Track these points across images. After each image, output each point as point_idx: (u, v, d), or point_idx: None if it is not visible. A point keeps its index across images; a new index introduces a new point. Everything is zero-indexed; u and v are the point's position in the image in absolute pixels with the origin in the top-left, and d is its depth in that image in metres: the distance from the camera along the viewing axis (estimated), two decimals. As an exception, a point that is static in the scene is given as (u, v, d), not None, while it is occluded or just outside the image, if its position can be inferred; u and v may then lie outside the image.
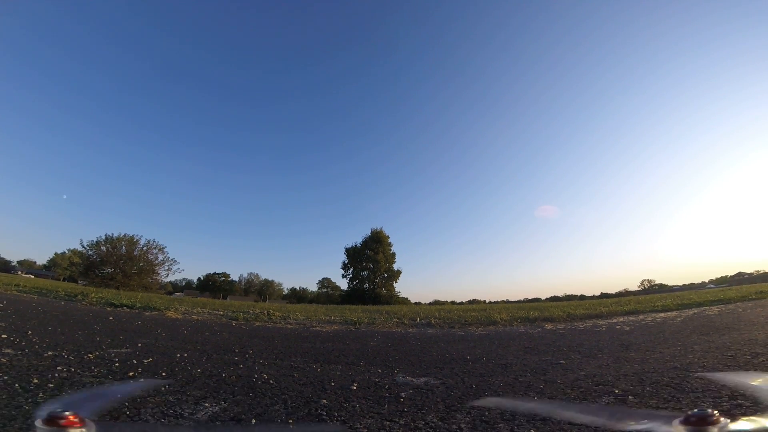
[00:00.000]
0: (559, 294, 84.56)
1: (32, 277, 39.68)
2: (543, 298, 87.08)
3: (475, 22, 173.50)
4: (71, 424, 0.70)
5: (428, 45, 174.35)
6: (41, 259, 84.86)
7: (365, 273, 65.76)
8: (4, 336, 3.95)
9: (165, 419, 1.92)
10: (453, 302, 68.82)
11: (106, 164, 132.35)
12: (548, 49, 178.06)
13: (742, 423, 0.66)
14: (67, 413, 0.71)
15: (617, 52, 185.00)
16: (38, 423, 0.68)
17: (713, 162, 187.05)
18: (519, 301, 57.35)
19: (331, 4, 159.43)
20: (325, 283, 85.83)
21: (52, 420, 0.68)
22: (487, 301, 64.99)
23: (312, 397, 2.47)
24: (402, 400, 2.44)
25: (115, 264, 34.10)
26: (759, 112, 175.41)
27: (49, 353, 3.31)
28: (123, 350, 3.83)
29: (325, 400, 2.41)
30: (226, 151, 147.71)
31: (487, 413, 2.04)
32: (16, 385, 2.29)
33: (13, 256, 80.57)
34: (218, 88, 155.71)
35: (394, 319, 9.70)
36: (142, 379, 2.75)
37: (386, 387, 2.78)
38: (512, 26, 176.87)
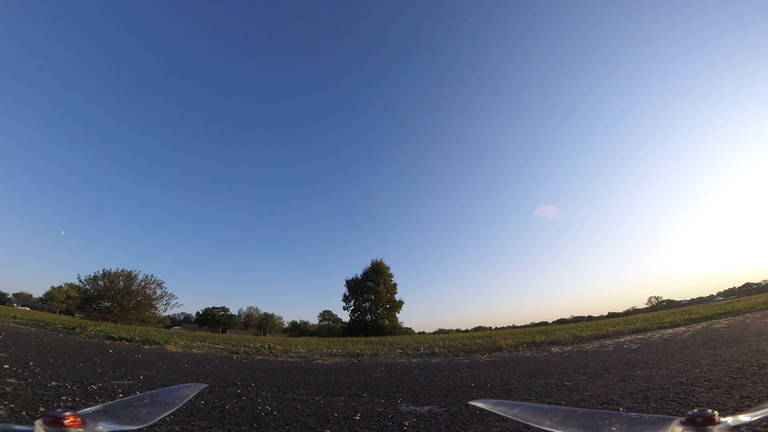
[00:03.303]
0: (566, 316, 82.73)
1: (28, 309, 39.13)
2: (550, 321, 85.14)
3: (471, 32, 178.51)
4: (71, 425, 0.69)
5: (423, 65, 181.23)
6: (37, 293, 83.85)
7: (367, 304, 64.52)
8: (6, 366, 3.94)
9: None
10: (458, 330, 66.77)
11: (105, 199, 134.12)
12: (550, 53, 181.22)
13: (742, 421, 0.65)
14: (67, 413, 0.70)
15: (617, 54, 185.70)
16: (38, 423, 0.67)
17: (712, 170, 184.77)
18: (526, 326, 55.52)
19: (331, 32, 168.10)
20: (326, 315, 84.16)
21: (52, 420, 0.68)
22: (492, 328, 62.82)
23: (315, 428, 2.46)
24: (405, 428, 2.43)
25: (113, 298, 33.80)
26: (760, 112, 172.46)
27: (53, 383, 3.31)
28: (125, 382, 3.80)
29: (328, 430, 2.40)
30: (225, 186, 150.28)
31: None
32: (24, 412, 2.31)
33: (9, 289, 79.84)
34: (216, 120, 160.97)
35: (398, 350, 9.50)
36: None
37: (389, 416, 2.76)
38: (513, 30, 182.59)
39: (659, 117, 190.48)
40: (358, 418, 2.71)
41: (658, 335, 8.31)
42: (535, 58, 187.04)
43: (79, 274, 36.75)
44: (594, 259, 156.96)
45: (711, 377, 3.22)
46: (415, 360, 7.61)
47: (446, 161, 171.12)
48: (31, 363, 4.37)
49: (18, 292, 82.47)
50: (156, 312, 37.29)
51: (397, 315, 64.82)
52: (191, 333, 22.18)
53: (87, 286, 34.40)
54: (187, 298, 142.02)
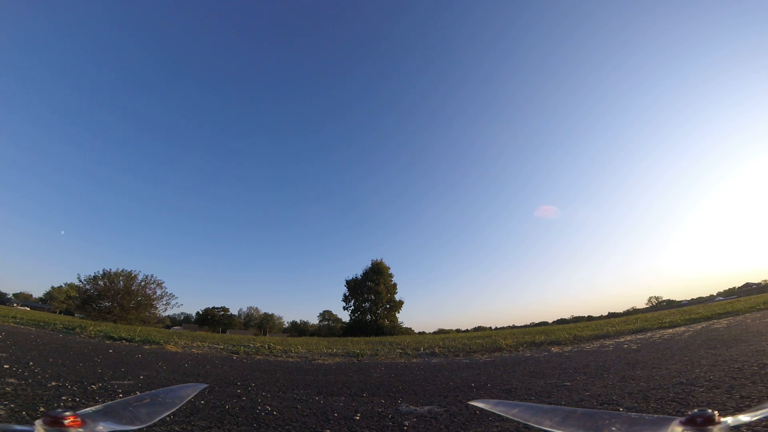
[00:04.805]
0: (566, 316, 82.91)
1: (28, 309, 39.19)
2: (550, 321, 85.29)
3: (470, 30, 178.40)
4: (71, 425, 0.69)
5: (424, 61, 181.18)
6: (37, 293, 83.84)
7: (367, 304, 64.59)
8: (6, 366, 3.94)
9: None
10: (458, 330, 66.74)
11: (105, 199, 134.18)
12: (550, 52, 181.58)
13: (742, 421, 0.65)
14: (67, 413, 0.70)
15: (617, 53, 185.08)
16: (38, 423, 0.67)
17: (712, 169, 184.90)
18: (526, 326, 55.60)
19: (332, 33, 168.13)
20: (326, 315, 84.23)
21: (52, 420, 0.68)
22: (493, 328, 62.64)
23: (315, 428, 2.46)
24: (405, 428, 2.43)
25: (113, 298, 33.82)
26: (760, 112, 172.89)
27: (53, 383, 3.31)
28: (125, 382, 3.80)
29: (328, 430, 2.40)
30: (225, 186, 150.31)
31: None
32: (24, 413, 2.31)
33: (9, 289, 79.84)
34: (216, 120, 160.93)
35: (398, 350, 9.50)
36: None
37: (389, 416, 2.76)
38: (513, 30, 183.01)
39: (659, 116, 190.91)
40: (358, 418, 2.71)
41: (658, 335, 8.31)
42: (536, 58, 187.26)
43: (79, 274, 36.86)
44: (594, 259, 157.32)
45: (711, 377, 3.22)
46: (415, 360, 7.61)
47: (446, 161, 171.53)
48: (31, 363, 4.37)
49: (18, 292, 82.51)
50: (156, 312, 37.32)
51: (397, 315, 65.03)
52: (191, 333, 22.19)
53: (87, 286, 34.43)
54: (187, 298, 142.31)
